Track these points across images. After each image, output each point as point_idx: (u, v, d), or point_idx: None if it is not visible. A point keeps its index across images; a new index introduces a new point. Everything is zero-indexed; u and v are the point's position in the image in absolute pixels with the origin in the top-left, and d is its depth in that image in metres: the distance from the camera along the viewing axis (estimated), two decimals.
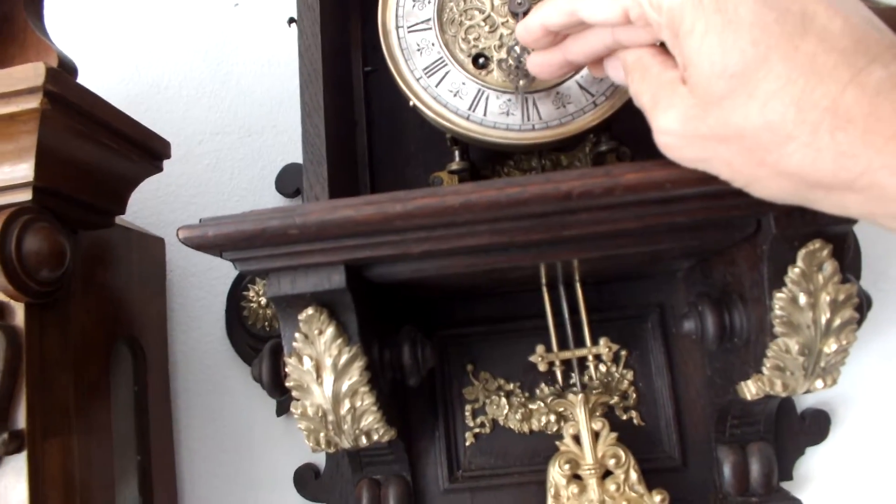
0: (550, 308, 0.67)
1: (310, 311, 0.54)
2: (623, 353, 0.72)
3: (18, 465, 0.54)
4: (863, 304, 0.58)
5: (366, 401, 0.56)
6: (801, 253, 0.51)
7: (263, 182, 0.82)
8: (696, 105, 0.40)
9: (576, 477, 0.64)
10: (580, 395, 0.64)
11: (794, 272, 0.52)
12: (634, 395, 0.71)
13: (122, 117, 0.59)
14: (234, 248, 0.52)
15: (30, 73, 0.50)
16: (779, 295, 0.52)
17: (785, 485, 0.70)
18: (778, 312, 0.52)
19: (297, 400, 0.57)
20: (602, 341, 0.66)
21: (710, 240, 0.54)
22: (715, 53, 0.38)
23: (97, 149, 0.58)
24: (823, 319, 0.52)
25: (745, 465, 0.68)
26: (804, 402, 0.73)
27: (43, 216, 0.56)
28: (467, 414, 0.72)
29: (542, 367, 0.66)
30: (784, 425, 0.71)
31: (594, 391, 0.71)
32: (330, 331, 0.55)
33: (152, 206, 0.82)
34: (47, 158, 0.54)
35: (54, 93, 0.51)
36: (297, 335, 0.55)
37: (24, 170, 0.53)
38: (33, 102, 0.50)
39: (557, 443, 0.65)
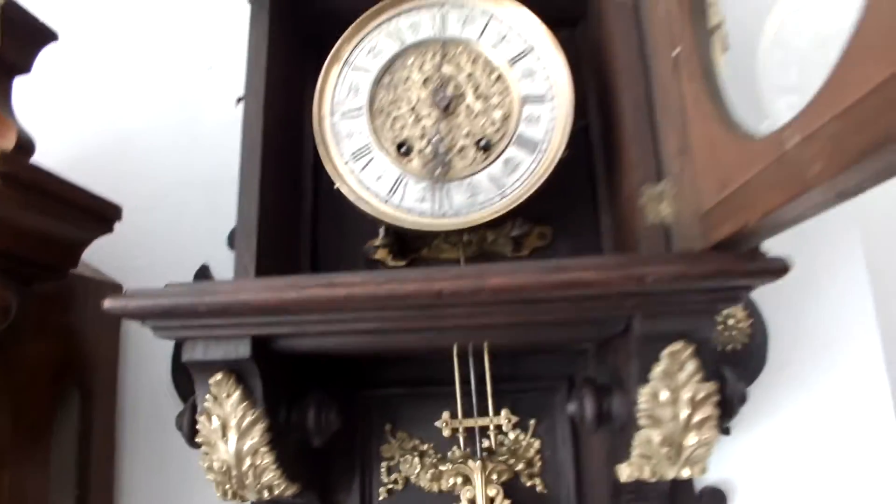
0: (459, 377, 0.71)
1: (219, 376, 0.60)
2: (532, 422, 0.76)
3: None
4: (733, 400, 0.61)
5: (266, 459, 0.61)
6: (665, 352, 0.56)
7: (221, 234, 0.88)
8: None
9: None
10: (478, 462, 0.69)
11: (657, 370, 0.56)
12: (540, 464, 0.75)
13: (73, 189, 0.66)
14: (151, 318, 0.58)
15: None
16: (643, 390, 0.56)
17: None
18: (642, 406, 0.57)
19: (206, 454, 0.62)
20: (503, 412, 0.71)
21: (584, 335, 0.58)
22: None
23: (48, 218, 0.65)
24: (684, 415, 0.56)
25: None
26: (703, 479, 0.76)
27: None
28: (383, 470, 0.77)
29: (446, 433, 0.71)
30: (681, 502, 0.74)
31: (500, 458, 0.75)
32: (236, 394, 0.60)
33: (113, 251, 0.88)
34: (1, 227, 0.61)
35: (7, 173, 0.57)
36: (207, 396, 0.61)
37: None
38: None
39: None
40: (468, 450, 0.75)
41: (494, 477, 0.71)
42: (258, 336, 0.59)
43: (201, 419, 0.61)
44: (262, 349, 0.60)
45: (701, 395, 0.56)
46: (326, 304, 0.54)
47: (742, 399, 0.65)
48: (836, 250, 0.82)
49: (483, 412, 0.71)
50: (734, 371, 0.74)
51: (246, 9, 0.75)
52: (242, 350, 0.59)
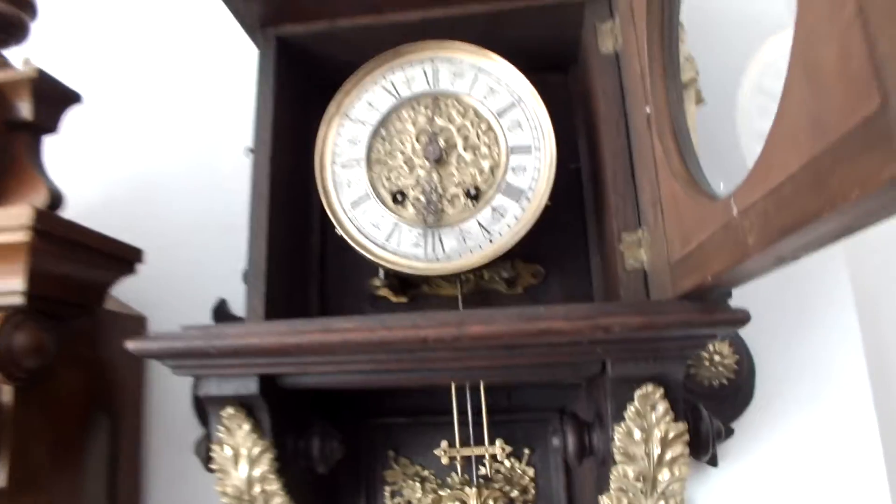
0: (457, 408, 0.76)
1: (230, 409, 0.66)
2: (526, 451, 0.81)
3: None
4: (709, 436, 0.65)
5: (273, 486, 0.67)
6: (637, 394, 0.60)
7: (237, 271, 0.94)
8: None
9: None
10: (474, 489, 0.73)
11: (630, 409, 0.60)
12: (534, 491, 0.80)
13: (98, 237, 0.73)
14: (170, 358, 0.64)
15: (20, 215, 0.64)
16: (618, 428, 0.60)
17: None
18: (618, 443, 0.61)
19: (220, 480, 0.68)
20: (498, 442, 0.75)
21: (562, 376, 0.63)
22: None
23: (77, 265, 0.71)
24: (656, 453, 0.60)
25: None
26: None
27: (31, 316, 0.69)
28: (386, 494, 0.82)
29: (444, 461, 0.76)
30: None
31: (496, 485, 0.79)
32: (246, 427, 0.66)
33: (139, 286, 0.95)
34: (35, 274, 0.68)
35: (40, 229, 0.64)
36: (220, 427, 0.67)
37: (17, 283, 0.67)
38: (24, 237, 0.64)
39: None
40: (465, 476, 0.79)
41: (490, 503, 0.76)
42: (265, 374, 0.64)
43: (215, 448, 0.67)
44: (269, 385, 0.65)
45: (672, 434, 0.60)
46: (324, 348, 0.59)
47: (724, 433, 0.68)
48: (824, 284, 0.85)
49: (479, 441, 0.75)
50: (720, 406, 0.78)
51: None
52: (251, 387, 0.64)
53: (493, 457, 0.76)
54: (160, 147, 1.04)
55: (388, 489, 0.82)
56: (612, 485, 0.63)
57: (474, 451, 0.76)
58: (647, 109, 0.63)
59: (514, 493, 0.79)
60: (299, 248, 0.85)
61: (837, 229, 0.35)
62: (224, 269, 0.96)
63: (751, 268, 0.47)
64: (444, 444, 0.77)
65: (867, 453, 0.79)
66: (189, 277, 0.97)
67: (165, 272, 0.97)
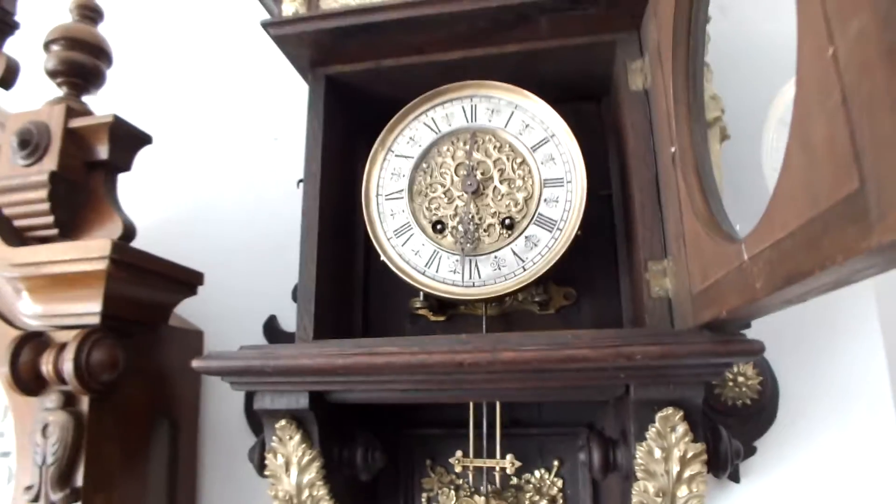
0: (473, 422, 0.82)
1: (283, 422, 0.72)
2: (555, 463, 0.85)
3: None
4: (728, 455, 0.69)
5: (321, 491, 0.73)
6: (658, 416, 0.64)
7: (285, 288, 1.01)
8: None
9: None
10: (482, 498, 0.79)
11: (652, 430, 0.64)
12: (562, 502, 0.84)
13: (163, 263, 0.80)
14: (229, 375, 0.71)
15: (100, 246, 0.71)
16: (640, 447, 0.65)
17: None
18: (639, 461, 0.65)
19: (272, 485, 0.75)
20: (508, 457, 0.80)
21: (589, 397, 0.67)
22: None
23: (146, 288, 0.79)
24: (675, 470, 0.64)
25: None
26: None
27: (106, 334, 0.77)
28: (423, 501, 0.88)
29: (457, 469, 0.81)
30: None
31: (526, 494, 0.84)
32: (297, 437, 0.72)
33: (196, 303, 1.02)
34: (111, 298, 0.75)
35: (116, 259, 0.72)
36: (273, 437, 0.73)
37: (94, 306, 0.75)
38: (102, 266, 0.71)
39: None
40: (494, 486, 0.84)
41: None
42: (314, 391, 0.71)
43: (268, 456, 0.74)
44: (318, 400, 0.72)
45: (690, 453, 0.64)
46: (369, 369, 0.65)
47: (742, 453, 0.72)
48: (848, 305, 0.87)
49: (492, 454, 0.81)
50: (743, 424, 0.82)
51: (307, 87, 0.88)
52: (302, 402, 0.71)
53: (503, 470, 0.80)
54: (215, 179, 1.12)
55: (424, 496, 0.88)
56: (634, 499, 0.67)
57: (486, 462, 0.81)
58: (672, 149, 0.67)
59: (543, 503, 0.84)
60: (345, 271, 0.91)
61: (831, 283, 0.40)
62: (274, 287, 1.03)
63: (761, 308, 0.51)
64: (458, 453, 0.82)
65: (890, 473, 0.81)
66: (242, 295, 1.04)
67: (220, 290, 1.04)
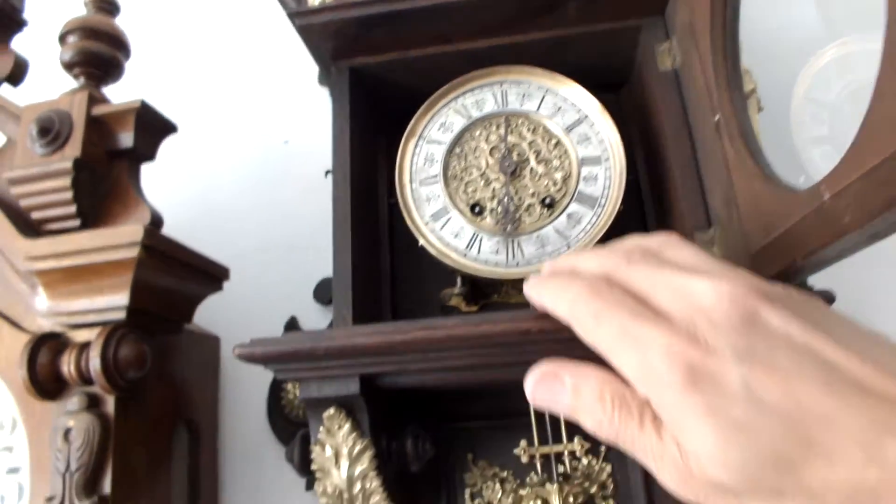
0: (534, 409, 0.80)
1: (331, 410, 0.69)
2: (603, 448, 0.84)
3: None
4: None
5: (373, 483, 0.69)
6: None
7: (303, 292, 0.98)
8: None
9: None
10: (555, 486, 0.76)
11: None
12: (612, 486, 0.82)
13: (193, 254, 0.77)
14: (274, 362, 0.67)
15: (132, 232, 0.68)
16: None
17: None
18: None
19: (319, 480, 0.71)
20: (576, 439, 0.78)
21: None
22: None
23: (173, 279, 0.75)
24: None
25: None
26: None
27: (132, 330, 0.73)
28: (467, 497, 0.84)
29: (524, 459, 0.79)
30: None
31: (575, 481, 0.82)
32: (347, 426, 0.69)
33: (210, 308, 0.99)
34: (138, 290, 0.71)
35: (149, 246, 0.68)
36: (321, 428, 0.70)
37: (120, 299, 0.71)
38: (133, 253, 0.68)
39: None
40: (545, 475, 0.82)
41: (571, 499, 0.79)
42: (365, 375, 0.68)
43: (315, 449, 0.70)
44: (369, 386, 0.69)
45: None
46: (428, 343, 0.63)
47: None
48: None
49: (557, 440, 0.79)
50: None
51: (316, 90, 0.87)
52: (352, 387, 0.68)
53: (572, 453, 0.79)
54: (224, 182, 1.09)
55: (468, 491, 0.84)
56: None
57: (553, 448, 0.79)
58: (717, 117, 0.69)
59: (594, 490, 0.82)
60: (373, 263, 0.89)
61: None
62: (290, 289, 1.00)
63: (843, 246, 0.51)
64: (522, 443, 0.80)
65: None
66: (257, 299, 1.01)
67: (234, 295, 1.00)
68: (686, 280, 0.40)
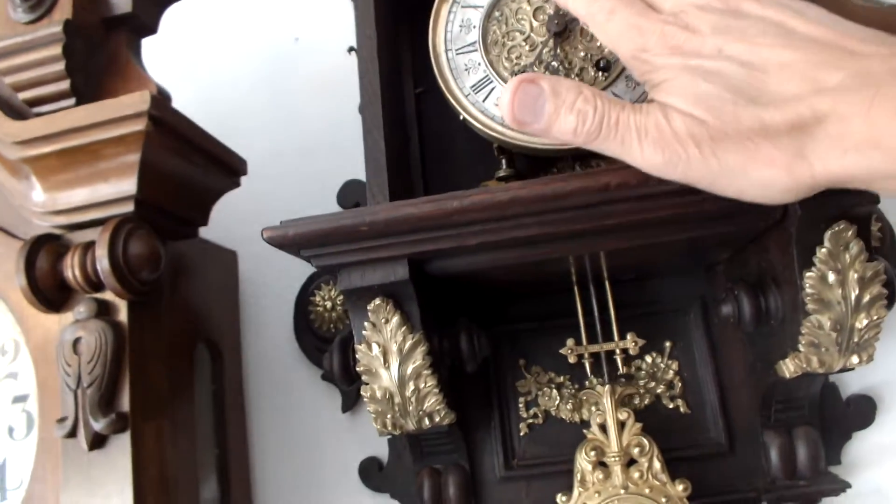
0: (581, 305, 0.72)
1: (377, 301, 0.61)
2: (667, 344, 0.76)
3: (123, 442, 0.61)
4: (892, 282, 0.61)
5: (428, 383, 0.62)
6: (828, 234, 0.55)
7: (324, 198, 0.89)
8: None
9: (601, 464, 0.67)
10: (606, 387, 0.68)
11: (821, 252, 0.56)
12: (680, 385, 0.75)
13: (208, 137, 0.67)
14: (310, 245, 0.59)
15: (137, 100, 0.58)
16: (808, 274, 0.56)
17: (833, 469, 0.72)
18: (809, 291, 0.56)
19: (367, 384, 0.63)
20: (629, 336, 0.70)
21: (742, 225, 0.58)
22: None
23: (188, 165, 0.66)
24: (853, 296, 0.56)
25: (791, 450, 0.71)
26: (849, 388, 0.75)
27: (143, 226, 0.64)
28: (521, 406, 0.77)
29: (571, 360, 0.71)
30: (829, 411, 0.73)
31: (640, 381, 0.75)
32: (395, 319, 0.61)
33: (223, 223, 0.89)
34: (147, 175, 0.62)
35: (157, 117, 0.59)
36: (365, 324, 0.62)
37: (128, 185, 0.62)
38: (140, 125, 0.58)
39: (585, 431, 0.68)
40: (602, 378, 0.74)
41: (637, 401, 0.72)
42: (414, 256, 0.59)
43: (361, 348, 0.62)
44: (418, 271, 0.60)
45: (869, 273, 0.56)
46: (490, 207, 0.54)
47: None
48: None
49: (608, 337, 0.71)
50: None
51: None
52: (400, 272, 0.59)
53: (625, 351, 0.71)
54: (233, 81, 0.99)
55: (521, 400, 0.77)
56: (803, 340, 0.58)
57: (603, 347, 0.71)
58: None
59: (660, 389, 0.75)
60: (403, 153, 0.80)
61: None
62: (308, 196, 0.90)
63: None
64: (570, 341, 0.72)
65: None
66: (272, 209, 0.90)
67: (243, 203, 0.91)
68: None
